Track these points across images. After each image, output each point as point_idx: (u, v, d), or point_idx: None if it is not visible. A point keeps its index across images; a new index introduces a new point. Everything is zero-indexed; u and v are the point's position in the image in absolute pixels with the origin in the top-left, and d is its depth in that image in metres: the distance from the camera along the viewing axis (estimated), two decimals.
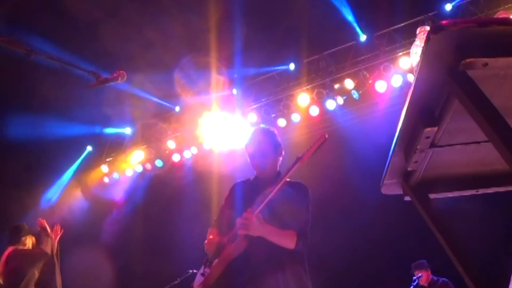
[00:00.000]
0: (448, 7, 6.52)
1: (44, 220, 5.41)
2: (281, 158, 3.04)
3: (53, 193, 9.10)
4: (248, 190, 3.03)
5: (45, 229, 5.26)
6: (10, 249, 5.16)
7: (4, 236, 5.69)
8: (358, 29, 7.04)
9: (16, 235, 5.26)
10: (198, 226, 5.61)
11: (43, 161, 8.24)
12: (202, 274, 2.89)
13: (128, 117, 8.97)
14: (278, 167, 3.03)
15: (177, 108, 8.68)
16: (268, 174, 2.98)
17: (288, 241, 2.76)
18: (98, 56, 6.61)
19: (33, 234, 5.37)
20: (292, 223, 2.81)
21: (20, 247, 5.18)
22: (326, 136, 2.68)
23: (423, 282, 6.46)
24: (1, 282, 5.00)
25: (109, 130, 9.19)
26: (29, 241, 5.31)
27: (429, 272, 6.51)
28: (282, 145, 3.06)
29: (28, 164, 8.21)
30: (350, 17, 6.88)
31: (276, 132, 3.10)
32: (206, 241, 3.12)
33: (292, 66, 7.71)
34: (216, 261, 2.84)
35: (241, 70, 7.93)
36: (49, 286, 5.10)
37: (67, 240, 7.92)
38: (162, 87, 8.27)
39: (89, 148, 9.45)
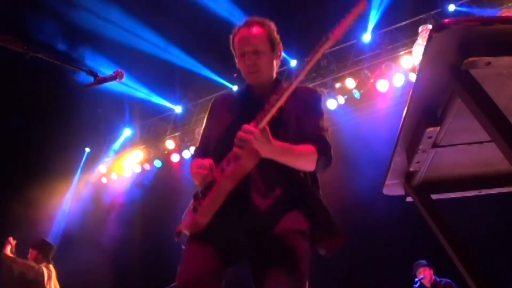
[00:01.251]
0: (452, 7, 6.49)
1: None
2: (278, 61, 2.34)
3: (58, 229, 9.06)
4: (241, 101, 2.36)
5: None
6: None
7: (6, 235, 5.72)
8: (368, 26, 6.98)
9: (47, 253, 5.58)
10: None
11: (43, 161, 8.22)
12: (195, 209, 2.13)
13: (127, 117, 8.95)
14: (275, 71, 2.33)
15: (177, 108, 8.66)
16: (264, 80, 2.28)
17: (306, 160, 2.05)
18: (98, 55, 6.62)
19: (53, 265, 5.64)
20: (309, 136, 2.10)
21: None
22: (366, 3, 1.88)
23: (426, 282, 6.39)
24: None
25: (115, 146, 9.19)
26: (50, 270, 5.54)
27: (432, 272, 6.44)
28: (281, 44, 2.33)
29: (27, 165, 8.21)
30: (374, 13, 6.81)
31: (274, 26, 2.33)
32: (194, 168, 2.17)
33: (293, 64, 7.67)
34: (209, 193, 2.06)
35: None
36: None
37: (66, 241, 7.95)
38: (162, 87, 8.27)
39: (87, 150, 9.43)
